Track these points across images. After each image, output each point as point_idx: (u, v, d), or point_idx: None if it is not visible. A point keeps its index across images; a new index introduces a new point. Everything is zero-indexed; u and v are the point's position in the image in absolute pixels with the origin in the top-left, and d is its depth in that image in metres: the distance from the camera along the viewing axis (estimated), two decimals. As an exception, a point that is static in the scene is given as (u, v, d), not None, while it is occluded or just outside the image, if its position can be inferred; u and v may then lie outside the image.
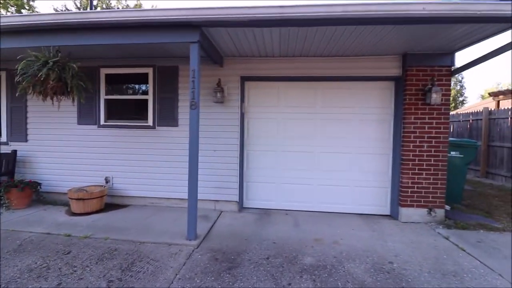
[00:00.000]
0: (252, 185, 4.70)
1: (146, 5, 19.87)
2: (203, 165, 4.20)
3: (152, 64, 4.62)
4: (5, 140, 4.98)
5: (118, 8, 17.39)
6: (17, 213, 4.11)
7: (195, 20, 3.06)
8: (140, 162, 4.70)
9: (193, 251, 3.06)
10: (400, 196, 4.18)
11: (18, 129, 4.94)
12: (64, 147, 4.86)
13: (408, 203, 4.13)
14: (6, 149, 4.88)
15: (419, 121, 4.10)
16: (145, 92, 4.75)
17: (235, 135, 4.49)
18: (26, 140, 4.94)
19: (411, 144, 4.13)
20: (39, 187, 4.63)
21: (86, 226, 3.68)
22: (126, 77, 4.83)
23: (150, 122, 4.67)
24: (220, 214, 4.32)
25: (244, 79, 4.57)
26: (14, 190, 4.23)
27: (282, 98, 4.61)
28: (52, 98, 3.51)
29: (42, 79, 3.11)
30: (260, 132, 4.66)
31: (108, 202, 4.68)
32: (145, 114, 4.69)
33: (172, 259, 2.85)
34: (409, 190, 4.13)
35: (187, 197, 3.26)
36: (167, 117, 4.61)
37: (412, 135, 4.12)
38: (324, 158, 4.52)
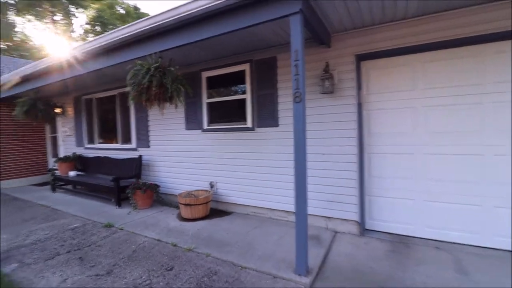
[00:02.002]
0: (378, 201, 3.48)
1: None
2: (310, 172, 3.37)
3: (248, 59, 4.17)
4: (134, 147, 5.74)
5: None
6: (140, 213, 4.50)
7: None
8: (240, 167, 4.34)
9: (304, 292, 2.28)
10: None
11: (143, 136, 5.57)
12: (176, 152, 5.10)
13: None
14: (134, 154, 5.60)
15: None
16: (243, 91, 4.35)
17: (350, 133, 3.43)
18: (149, 146, 5.51)
19: None
20: (158, 189, 5.02)
21: (191, 235, 3.54)
22: (224, 78, 4.57)
23: (249, 123, 4.23)
24: (334, 236, 3.37)
25: (360, 58, 3.44)
26: (139, 191, 4.67)
27: (420, 78, 3.19)
28: (158, 105, 3.54)
29: (146, 86, 3.08)
30: (387, 128, 3.39)
31: (213, 207, 4.57)
32: (243, 115, 4.30)
33: (278, 301, 2.16)
34: None
35: (292, 210, 2.61)
36: (266, 116, 4.05)
37: None
38: (506, 165, 2.81)
